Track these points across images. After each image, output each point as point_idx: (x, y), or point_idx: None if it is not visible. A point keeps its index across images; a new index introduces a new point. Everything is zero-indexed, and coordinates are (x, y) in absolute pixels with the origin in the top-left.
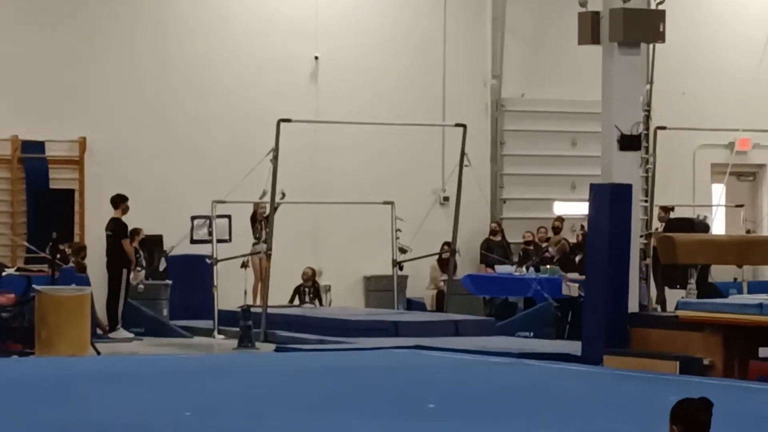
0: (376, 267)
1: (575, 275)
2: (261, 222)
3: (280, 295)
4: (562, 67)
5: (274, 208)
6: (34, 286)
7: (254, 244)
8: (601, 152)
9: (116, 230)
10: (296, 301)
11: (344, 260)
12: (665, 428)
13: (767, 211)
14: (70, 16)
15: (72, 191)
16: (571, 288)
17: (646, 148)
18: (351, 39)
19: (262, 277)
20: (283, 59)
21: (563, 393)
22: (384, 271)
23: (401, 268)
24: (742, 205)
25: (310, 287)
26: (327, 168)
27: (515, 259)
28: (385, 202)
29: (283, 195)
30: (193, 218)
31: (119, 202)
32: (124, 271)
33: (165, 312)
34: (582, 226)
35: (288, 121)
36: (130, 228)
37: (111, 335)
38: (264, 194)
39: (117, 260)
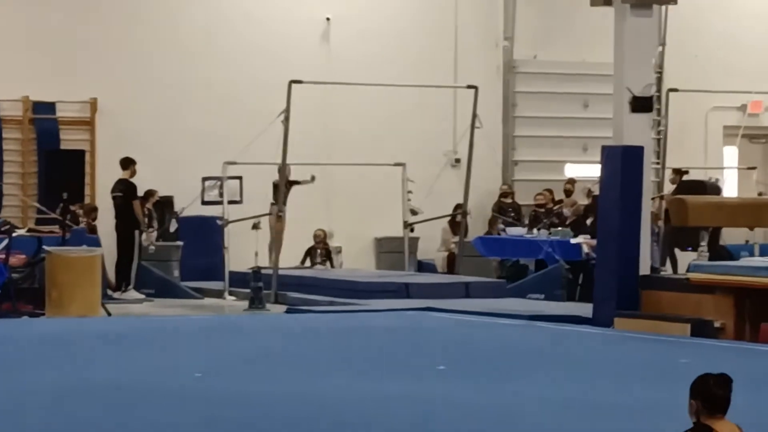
0: (387, 229)
1: (587, 238)
2: (287, 186)
3: (291, 256)
4: (574, 29)
5: (287, 176)
6: (44, 247)
7: (272, 204)
8: (613, 114)
9: (126, 191)
10: (307, 263)
11: (355, 222)
12: (676, 390)
13: None
14: None
15: (83, 152)
16: (586, 248)
17: (658, 110)
18: (362, 0)
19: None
20: (295, 20)
21: (574, 355)
22: (395, 233)
23: (412, 230)
24: (754, 168)
25: (321, 249)
26: (338, 129)
27: (526, 221)
28: (397, 164)
29: (313, 178)
30: (204, 179)
31: (128, 163)
32: (136, 232)
33: (176, 273)
34: (589, 190)
35: (299, 82)
36: (144, 189)
37: (122, 296)
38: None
39: (127, 221)
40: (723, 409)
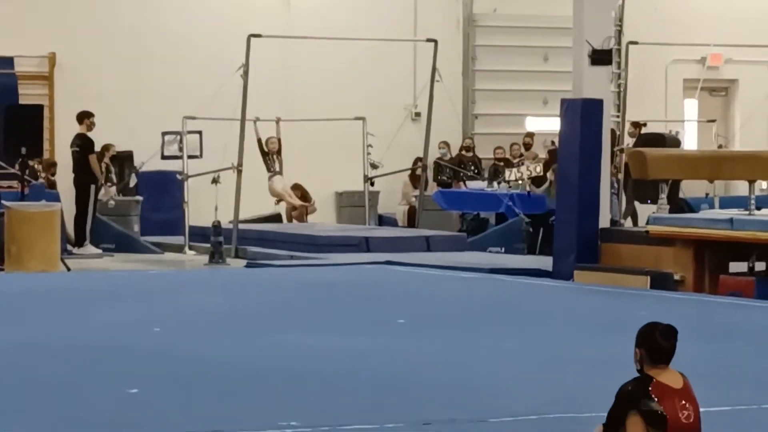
0: (347, 183)
1: None
2: (273, 154)
3: (249, 210)
4: None
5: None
6: (3, 202)
7: (270, 177)
8: (573, 67)
9: (83, 146)
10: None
11: (316, 176)
12: (634, 342)
13: (739, 126)
14: None
15: (41, 107)
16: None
17: (618, 63)
18: None
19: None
20: None
21: (534, 308)
22: (356, 187)
23: (373, 184)
24: (713, 120)
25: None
26: (298, 84)
27: (485, 174)
28: (357, 118)
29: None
30: (163, 134)
31: (84, 117)
32: (92, 186)
33: (136, 228)
34: (553, 142)
35: (258, 36)
36: (101, 144)
37: (79, 251)
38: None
39: (84, 176)
40: (667, 359)
